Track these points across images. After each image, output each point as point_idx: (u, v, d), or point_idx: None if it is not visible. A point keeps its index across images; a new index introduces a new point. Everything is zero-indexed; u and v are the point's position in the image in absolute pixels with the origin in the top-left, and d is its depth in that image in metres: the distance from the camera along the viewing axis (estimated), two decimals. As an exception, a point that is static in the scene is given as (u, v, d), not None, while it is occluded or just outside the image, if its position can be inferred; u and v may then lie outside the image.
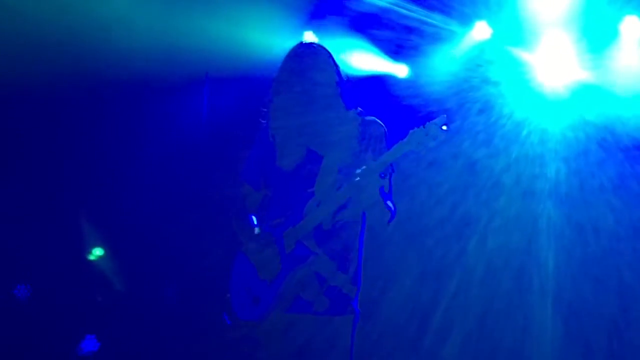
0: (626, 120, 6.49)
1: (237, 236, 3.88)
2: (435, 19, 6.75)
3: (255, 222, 3.89)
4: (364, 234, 3.82)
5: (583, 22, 6.49)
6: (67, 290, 6.63)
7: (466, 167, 6.88)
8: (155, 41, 6.17)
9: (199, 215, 6.71)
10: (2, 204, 6.54)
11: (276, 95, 3.82)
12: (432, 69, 7.00)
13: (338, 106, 3.80)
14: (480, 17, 6.81)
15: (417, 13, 6.70)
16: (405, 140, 3.55)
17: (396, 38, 6.90)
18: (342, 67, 3.86)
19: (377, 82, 7.04)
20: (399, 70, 7.17)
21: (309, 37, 6.79)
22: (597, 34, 6.52)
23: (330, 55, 3.83)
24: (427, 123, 3.53)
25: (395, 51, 7.05)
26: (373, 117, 3.84)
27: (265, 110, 3.89)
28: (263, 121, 3.93)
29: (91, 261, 7.09)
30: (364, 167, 3.59)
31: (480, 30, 6.84)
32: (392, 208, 3.74)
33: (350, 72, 4.03)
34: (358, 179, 3.57)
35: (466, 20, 6.85)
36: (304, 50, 3.82)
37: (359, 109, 3.86)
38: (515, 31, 6.72)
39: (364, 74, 6.96)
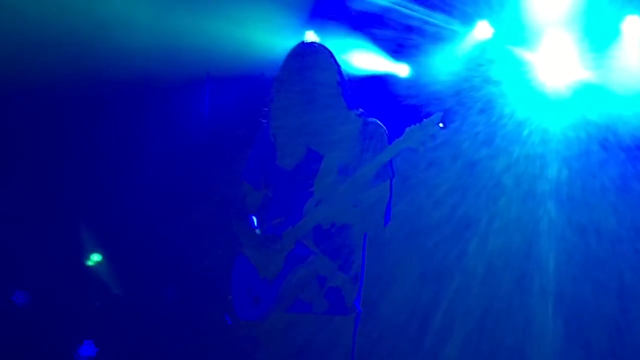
0: (628, 120, 6.48)
1: (238, 236, 3.88)
2: (437, 18, 6.75)
3: (256, 223, 3.89)
4: (366, 234, 3.82)
5: (585, 21, 6.48)
6: (65, 296, 6.60)
7: (467, 167, 6.87)
8: (156, 41, 6.17)
9: (199, 215, 6.70)
10: (-2, 207, 6.53)
11: (277, 94, 3.82)
12: (434, 69, 6.99)
13: (339, 106, 3.80)
14: (481, 17, 6.80)
15: (418, 12, 6.69)
16: (402, 138, 3.56)
17: (397, 37, 6.90)
18: (343, 67, 3.86)
19: (378, 82, 7.04)
20: (400, 69, 7.16)
21: (310, 36, 6.78)
22: (598, 34, 6.51)
23: (332, 55, 3.83)
24: (424, 120, 3.54)
25: (397, 50, 7.05)
26: (374, 118, 3.84)
27: (266, 109, 3.89)
28: (264, 121, 3.92)
29: (89, 266, 7.06)
30: (362, 166, 3.60)
31: (482, 30, 6.84)
32: (388, 212, 3.74)
33: (352, 72, 4.03)
34: (356, 178, 3.57)
35: (468, 20, 6.84)
36: (305, 50, 3.82)
37: (360, 109, 3.86)
38: (517, 31, 6.72)
39: (365, 73, 6.95)
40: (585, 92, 6.63)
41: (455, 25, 6.86)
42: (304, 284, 3.66)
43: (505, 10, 6.63)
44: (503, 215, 6.72)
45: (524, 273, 6.62)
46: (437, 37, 6.85)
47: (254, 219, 3.90)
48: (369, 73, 7.00)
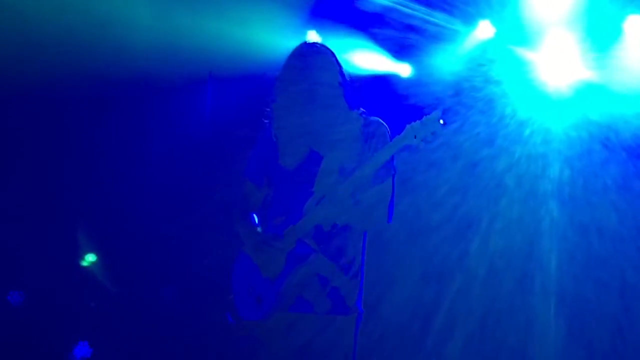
0: (630, 120, 6.47)
1: (239, 235, 3.88)
2: (439, 18, 6.74)
3: (257, 221, 3.89)
4: (366, 234, 3.82)
5: (586, 21, 6.47)
6: (61, 296, 6.59)
7: (468, 167, 6.87)
8: (158, 40, 6.17)
9: (200, 215, 6.70)
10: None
11: (279, 94, 3.82)
12: (435, 69, 6.99)
13: (341, 106, 3.80)
14: (483, 16, 6.80)
15: (420, 12, 6.69)
16: (402, 134, 3.55)
17: (399, 37, 6.89)
18: (345, 67, 3.86)
19: (380, 82, 7.03)
20: (402, 69, 7.16)
21: (313, 36, 6.78)
22: (600, 33, 6.50)
23: (334, 55, 3.83)
24: (425, 117, 3.54)
25: (398, 50, 7.05)
26: (376, 118, 3.84)
27: (268, 109, 3.89)
28: (266, 120, 3.92)
29: (84, 267, 7.05)
30: (363, 164, 3.60)
31: (484, 30, 6.83)
32: (392, 209, 3.74)
33: (354, 72, 4.02)
34: (357, 176, 3.57)
35: (469, 20, 6.84)
36: (307, 50, 3.82)
37: (362, 109, 3.86)
38: (519, 30, 6.71)
39: (367, 73, 6.95)
40: (587, 91, 6.63)
41: (457, 25, 6.85)
42: (305, 283, 3.66)
43: (507, 9, 6.62)
44: (505, 215, 6.72)
45: (525, 273, 6.62)
46: (438, 37, 6.85)
47: (256, 217, 3.90)
48: (371, 73, 7.00)
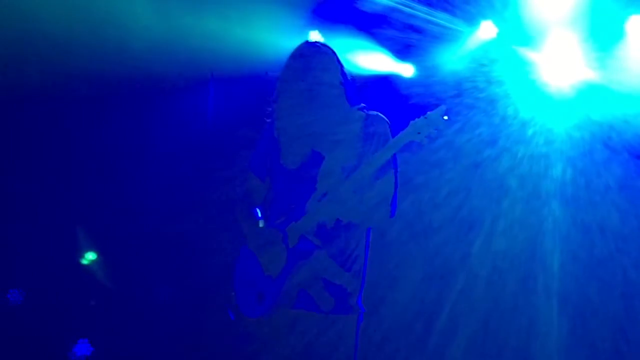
0: (632, 120, 6.47)
1: (242, 231, 3.88)
2: (441, 18, 6.74)
3: (260, 216, 3.88)
4: (370, 231, 3.82)
5: (589, 21, 6.46)
6: (61, 295, 6.59)
7: (471, 168, 6.87)
8: (160, 40, 6.17)
9: (201, 214, 6.70)
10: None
11: (281, 94, 3.82)
12: (438, 69, 6.99)
13: (342, 106, 3.80)
14: (486, 17, 6.79)
15: (422, 12, 6.69)
16: (406, 130, 3.55)
17: (401, 37, 6.89)
18: (347, 67, 3.86)
19: (382, 82, 7.03)
20: (404, 69, 7.16)
21: (314, 36, 6.78)
22: (602, 34, 6.49)
23: (335, 55, 3.84)
24: (428, 113, 3.54)
25: (400, 50, 7.04)
26: (377, 112, 3.84)
27: (269, 109, 3.89)
28: (268, 120, 3.92)
29: (84, 265, 7.05)
30: (366, 161, 3.60)
31: (486, 30, 6.82)
32: (394, 205, 3.73)
33: (356, 72, 4.03)
34: (360, 172, 3.57)
35: (472, 20, 6.83)
36: (309, 50, 3.83)
37: (362, 104, 3.85)
38: (521, 30, 6.71)
39: (369, 73, 6.95)
40: (590, 92, 6.62)
41: (459, 25, 6.85)
42: (308, 280, 3.66)
43: (510, 10, 6.62)
44: (507, 215, 6.71)
45: (528, 273, 6.61)
46: (441, 37, 6.85)
47: (259, 212, 3.90)
48: (373, 73, 7.00)
